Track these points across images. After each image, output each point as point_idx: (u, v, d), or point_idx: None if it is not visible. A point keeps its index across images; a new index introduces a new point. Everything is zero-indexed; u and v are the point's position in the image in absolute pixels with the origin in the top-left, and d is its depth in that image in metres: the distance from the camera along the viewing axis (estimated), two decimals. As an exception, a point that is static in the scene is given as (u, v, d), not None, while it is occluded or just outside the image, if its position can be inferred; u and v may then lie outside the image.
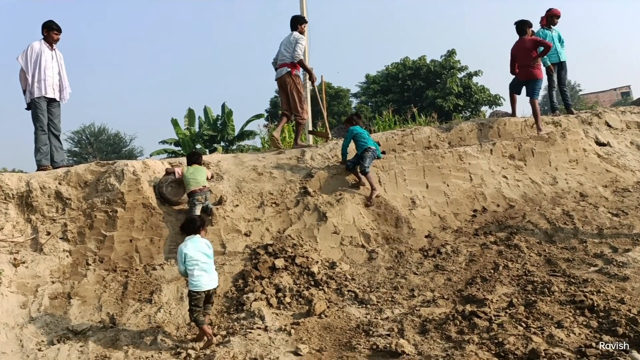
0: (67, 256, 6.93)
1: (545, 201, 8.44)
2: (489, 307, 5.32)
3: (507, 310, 5.21)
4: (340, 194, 7.95)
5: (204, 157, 8.24)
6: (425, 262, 6.91)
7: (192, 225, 5.83)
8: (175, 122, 24.72)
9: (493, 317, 5.03)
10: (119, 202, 7.23)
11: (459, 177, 8.70)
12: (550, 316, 4.99)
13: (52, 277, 6.68)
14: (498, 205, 8.38)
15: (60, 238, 7.04)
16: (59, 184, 7.31)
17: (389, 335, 5.14)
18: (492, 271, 6.39)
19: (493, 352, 4.47)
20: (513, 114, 10.91)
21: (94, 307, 6.39)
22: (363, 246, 7.32)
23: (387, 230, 7.64)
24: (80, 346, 5.70)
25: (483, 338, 4.74)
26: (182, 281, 6.67)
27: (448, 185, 8.57)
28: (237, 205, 7.71)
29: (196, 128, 26.23)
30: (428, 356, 4.61)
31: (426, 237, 7.60)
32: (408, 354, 4.67)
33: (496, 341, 4.60)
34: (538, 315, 5.03)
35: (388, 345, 4.80)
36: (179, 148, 24.58)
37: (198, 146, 24.59)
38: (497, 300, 5.53)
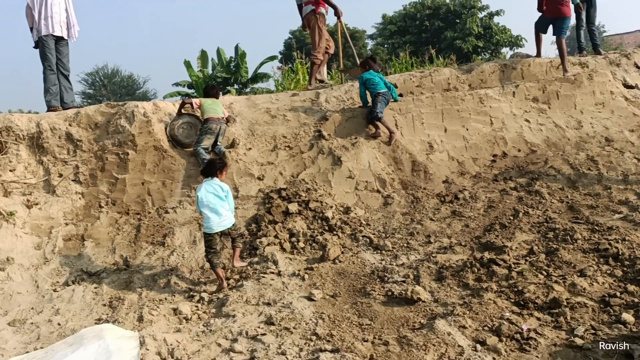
0: (79, 198, 6.88)
1: (568, 146, 8.14)
2: (508, 255, 5.17)
3: (527, 258, 5.06)
4: (355, 138, 7.72)
5: (216, 99, 8.00)
6: (442, 208, 6.74)
7: (209, 168, 5.80)
8: (188, 64, 24.35)
9: (512, 265, 4.88)
10: (130, 145, 7.10)
11: (479, 121, 8.40)
12: (572, 264, 4.83)
13: (65, 219, 6.65)
14: (519, 150, 8.10)
15: (73, 180, 6.97)
16: (69, 125, 7.17)
17: (404, 281, 5.04)
18: (512, 218, 6.21)
19: (512, 300, 4.35)
20: (538, 55, 10.42)
21: (107, 249, 6.38)
22: (378, 191, 7.15)
23: (404, 175, 7.45)
24: (95, 287, 5.71)
25: (502, 286, 4.61)
26: (195, 224, 6.60)
27: (467, 129, 8.28)
28: (250, 149, 7.54)
29: (209, 70, 25.86)
30: (444, 303, 4.51)
31: (443, 182, 7.40)
32: (424, 301, 4.57)
33: (516, 289, 4.47)
34: (560, 264, 4.87)
35: (403, 291, 4.71)
36: (192, 90, 24.32)
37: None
38: (516, 248, 5.38)
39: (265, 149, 7.62)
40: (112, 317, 5.04)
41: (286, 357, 3.82)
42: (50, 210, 6.64)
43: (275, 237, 6.18)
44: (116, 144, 7.09)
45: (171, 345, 4.21)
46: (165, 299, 5.37)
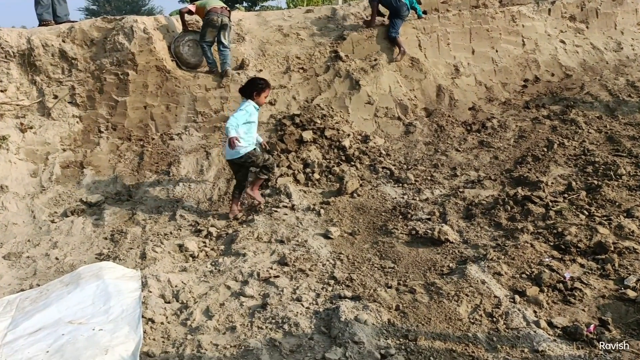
0: (77, 122, 6.40)
1: (607, 70, 7.46)
2: (544, 191, 4.70)
3: (566, 195, 4.58)
4: (375, 60, 7.07)
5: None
6: (468, 138, 6.22)
7: (244, 87, 5.12)
8: (194, -20, 23.10)
9: (550, 203, 4.42)
10: (130, 64, 6.51)
11: (509, 42, 7.68)
12: (617, 203, 4.35)
13: (62, 144, 6.22)
14: (553, 75, 7.44)
15: (69, 102, 6.47)
16: (63, 41, 6.56)
17: (429, 219, 4.62)
18: (545, 149, 5.68)
19: (551, 243, 3.91)
20: (576, -32, 9.47)
21: (108, 178, 5.97)
22: (399, 118, 6.60)
23: (427, 101, 6.87)
24: (95, 219, 5.35)
25: (539, 227, 4.17)
26: (202, 152, 6.16)
27: (497, 51, 7.58)
28: (261, 70, 6.93)
29: (216, -15, 24.63)
30: (475, 245, 4.09)
31: (470, 109, 6.82)
32: (452, 242, 4.16)
33: (555, 231, 4.02)
34: (603, 202, 4.40)
35: (429, 231, 4.29)
36: (199, 8, 23.20)
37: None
38: (552, 183, 4.90)
39: (277, 70, 7.01)
40: (114, 253, 4.69)
41: (302, 304, 3.46)
42: (46, 134, 6.19)
43: (289, 167, 5.73)
44: (115, 63, 6.50)
45: (176, 287, 3.87)
46: (171, 233, 5.00)
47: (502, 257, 3.77)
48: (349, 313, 3.21)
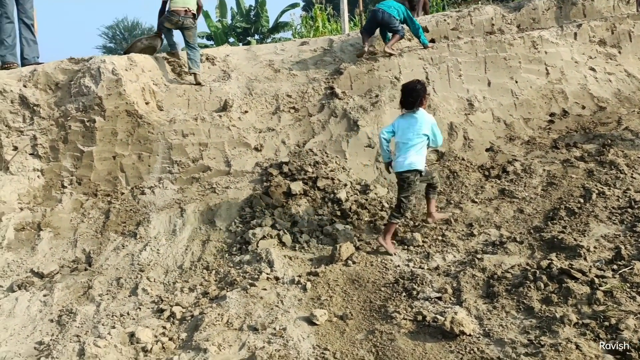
0: (38, 176, 5.65)
1: (646, 101, 6.50)
2: (586, 260, 3.73)
3: (614, 266, 3.60)
4: (376, 96, 6.21)
5: (208, 51, 6.57)
6: (487, 186, 5.27)
7: (411, 102, 4.41)
8: (206, 15, 22.93)
9: (595, 280, 3.43)
10: (97, 110, 5.76)
11: (531, 71, 6.76)
12: (684, 280, 3.36)
13: (20, 202, 5.45)
14: (583, 107, 6.48)
15: (30, 154, 5.75)
16: (24, 86, 5.86)
17: (439, 298, 3.68)
18: (582, 200, 4.71)
19: (603, 342, 2.93)
20: (602, -13, 8.58)
21: (68, 241, 5.17)
22: (406, 163, 5.69)
23: (437, 142, 5.96)
24: (45, 295, 4.53)
25: (583, 314, 3.19)
26: (176, 209, 5.33)
27: (517, 82, 6.66)
28: (247, 112, 6.12)
29: (228, 20, 24.50)
30: (500, 341, 3.13)
31: (487, 150, 5.89)
32: (469, 336, 3.20)
33: (606, 323, 3.04)
34: (665, 278, 3.41)
35: (439, 317, 3.35)
36: (212, 42, 22.99)
37: (231, 40, 23.03)
38: (595, 248, 3.92)
39: (265, 111, 6.20)
40: (55, 342, 3.86)
41: None
42: (2, 192, 5.44)
43: (273, 226, 4.85)
44: (80, 108, 5.76)
45: (107, 405, 2.97)
46: (128, 313, 4.14)
47: (538, 365, 2.80)
48: None
